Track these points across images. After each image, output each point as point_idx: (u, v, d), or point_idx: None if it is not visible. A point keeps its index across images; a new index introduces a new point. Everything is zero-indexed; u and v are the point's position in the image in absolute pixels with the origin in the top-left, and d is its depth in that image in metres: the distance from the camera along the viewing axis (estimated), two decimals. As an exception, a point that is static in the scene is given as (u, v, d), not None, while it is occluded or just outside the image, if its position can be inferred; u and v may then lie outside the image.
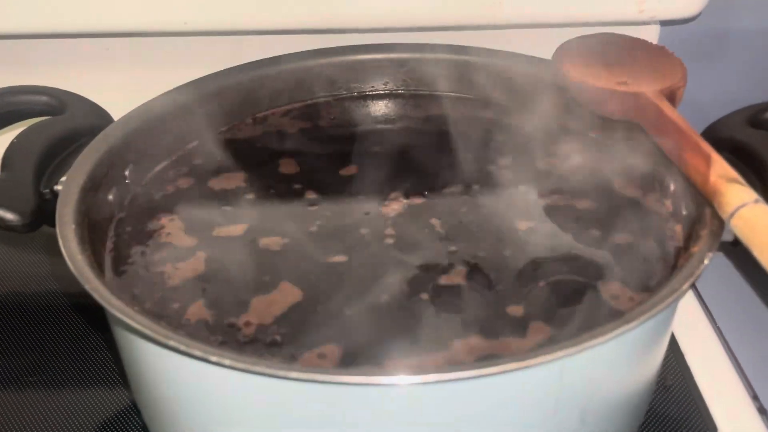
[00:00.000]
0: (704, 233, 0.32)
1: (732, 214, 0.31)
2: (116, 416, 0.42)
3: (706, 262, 0.30)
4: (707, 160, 0.34)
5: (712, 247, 0.31)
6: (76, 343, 0.47)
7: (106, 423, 0.41)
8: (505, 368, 0.25)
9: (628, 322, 0.27)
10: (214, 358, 0.26)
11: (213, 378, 0.29)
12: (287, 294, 0.35)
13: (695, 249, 0.31)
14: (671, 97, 0.41)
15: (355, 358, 0.31)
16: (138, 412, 0.41)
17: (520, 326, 0.32)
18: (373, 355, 0.31)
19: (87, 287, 0.30)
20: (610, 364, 0.29)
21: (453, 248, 0.37)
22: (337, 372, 0.28)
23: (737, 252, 0.38)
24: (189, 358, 0.28)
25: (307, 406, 0.28)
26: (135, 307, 0.34)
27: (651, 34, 0.56)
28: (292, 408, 0.29)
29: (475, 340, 0.31)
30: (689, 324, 0.47)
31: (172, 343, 0.27)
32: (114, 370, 0.45)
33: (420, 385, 0.26)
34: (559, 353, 0.26)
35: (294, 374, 0.26)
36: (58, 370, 0.45)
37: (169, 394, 0.32)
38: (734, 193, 0.32)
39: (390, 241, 0.38)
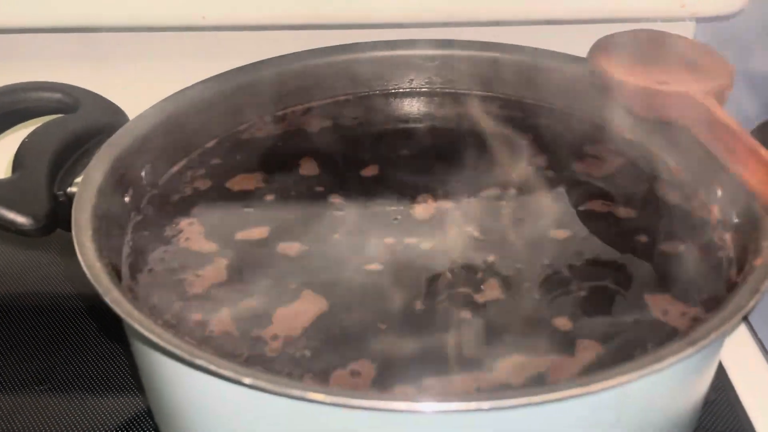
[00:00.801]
0: (766, 244, 0.30)
1: (796, 224, 0.29)
2: (131, 423, 0.40)
3: (771, 276, 0.28)
4: (766, 166, 0.32)
5: (776, 260, 0.29)
6: (90, 348, 0.45)
7: (120, 430, 0.40)
8: (561, 395, 0.23)
9: (693, 343, 0.25)
10: (248, 381, 0.24)
11: (238, 397, 0.27)
12: (314, 305, 0.33)
13: (759, 261, 0.29)
14: (718, 98, 0.39)
15: (390, 377, 0.29)
16: (152, 420, 0.39)
17: (567, 343, 0.30)
18: (410, 375, 0.29)
19: (107, 299, 0.28)
20: (670, 387, 0.27)
21: (490, 258, 0.35)
22: (374, 397, 0.26)
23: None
24: (217, 378, 0.26)
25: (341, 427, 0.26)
26: (156, 319, 0.32)
27: (686, 32, 0.54)
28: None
29: (520, 358, 0.29)
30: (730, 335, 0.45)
31: (199, 362, 0.25)
32: (128, 376, 0.43)
33: (464, 412, 0.24)
34: (623, 377, 0.24)
35: (327, 398, 0.24)
36: (71, 375, 0.43)
37: (190, 411, 0.31)
38: (798, 202, 0.30)
39: (422, 248, 0.36)
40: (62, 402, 0.41)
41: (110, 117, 0.42)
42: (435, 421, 0.25)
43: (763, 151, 0.33)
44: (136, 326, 0.27)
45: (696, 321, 0.31)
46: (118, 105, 0.43)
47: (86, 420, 0.40)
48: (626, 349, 0.30)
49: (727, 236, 0.36)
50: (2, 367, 0.44)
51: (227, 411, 0.28)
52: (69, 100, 0.42)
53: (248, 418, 0.28)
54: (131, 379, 0.42)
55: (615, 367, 0.25)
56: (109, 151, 0.38)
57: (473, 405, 0.23)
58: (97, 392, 0.42)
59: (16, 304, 0.48)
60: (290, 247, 0.37)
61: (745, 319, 0.46)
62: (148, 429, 0.40)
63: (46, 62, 0.54)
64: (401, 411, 0.24)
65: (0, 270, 0.50)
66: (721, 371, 0.43)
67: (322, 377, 0.29)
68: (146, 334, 0.26)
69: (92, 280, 0.29)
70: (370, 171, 0.42)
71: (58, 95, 0.43)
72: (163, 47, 0.54)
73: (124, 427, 0.40)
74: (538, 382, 0.27)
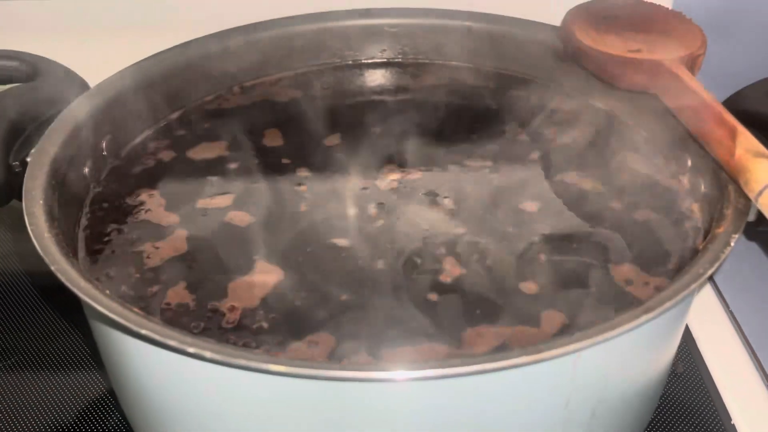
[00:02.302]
0: (729, 212, 0.30)
1: (760, 192, 0.29)
2: (92, 401, 0.40)
3: (732, 243, 0.28)
4: (732, 133, 0.31)
5: (738, 228, 0.29)
6: (46, 326, 0.44)
7: (81, 407, 0.39)
8: (517, 362, 0.23)
9: (649, 310, 0.25)
10: (191, 350, 0.24)
11: (192, 369, 0.27)
12: (275, 276, 0.33)
13: (720, 230, 0.29)
14: (690, 66, 0.38)
15: (350, 348, 0.29)
16: (114, 396, 0.39)
17: (532, 313, 0.29)
18: (372, 345, 0.28)
19: (53, 268, 0.27)
20: (626, 355, 0.27)
21: (459, 230, 0.34)
22: (331, 367, 0.25)
23: (749, 232, 0.35)
24: (166, 350, 0.25)
25: (297, 400, 0.26)
26: (108, 290, 0.31)
27: (664, 1, 0.53)
28: (279, 402, 0.26)
29: (486, 329, 0.29)
30: (700, 307, 0.44)
31: (144, 332, 0.24)
32: (87, 353, 0.42)
33: (424, 380, 0.23)
34: (576, 345, 0.23)
35: (278, 368, 0.24)
36: (29, 354, 0.42)
37: (147, 384, 0.30)
38: (763, 170, 0.29)
39: (393, 217, 0.36)
40: (21, 381, 0.41)
41: (70, 86, 0.41)
42: (388, 389, 0.24)
43: (730, 119, 0.32)
44: (83, 296, 0.26)
45: (657, 291, 0.30)
46: (79, 74, 0.42)
47: (47, 398, 0.40)
48: (590, 320, 0.29)
49: (696, 206, 0.35)
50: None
51: (180, 382, 0.28)
52: (27, 69, 0.41)
53: (204, 391, 0.28)
54: (91, 358, 0.42)
55: (570, 334, 0.24)
56: (67, 121, 0.37)
57: (428, 373, 0.23)
58: (57, 370, 0.41)
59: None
60: (249, 218, 0.36)
61: (717, 289, 0.45)
62: (109, 405, 0.39)
63: (2, 30, 0.53)
64: (363, 380, 0.24)
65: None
66: (691, 343, 0.43)
67: (279, 348, 0.29)
68: (93, 304, 0.26)
69: (40, 250, 0.28)
70: (334, 141, 0.41)
71: (15, 63, 0.41)
72: (127, 14, 0.53)
73: (85, 404, 0.39)
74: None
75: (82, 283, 0.27)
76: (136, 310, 0.27)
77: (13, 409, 0.39)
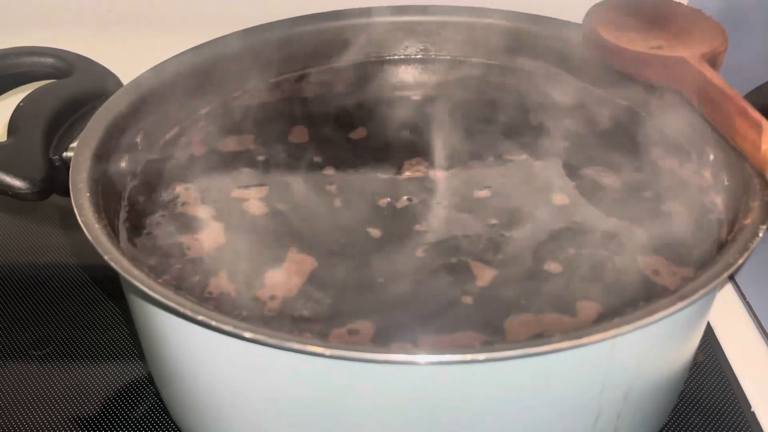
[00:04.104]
0: (755, 204, 0.31)
1: (787, 185, 0.30)
2: (130, 388, 0.40)
3: (760, 234, 0.29)
4: (757, 128, 0.32)
5: (765, 219, 0.30)
6: (89, 317, 0.45)
7: (119, 395, 0.40)
8: (557, 347, 0.24)
9: (684, 297, 0.26)
10: (248, 335, 0.25)
11: (242, 353, 0.28)
12: (310, 265, 0.34)
13: (747, 221, 0.30)
14: (712, 62, 0.39)
15: (390, 336, 0.30)
16: (153, 385, 0.40)
17: (567, 303, 0.30)
18: (412, 333, 0.29)
19: (106, 258, 0.28)
20: (658, 341, 0.28)
21: (492, 221, 0.35)
22: (374, 349, 0.26)
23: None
24: (217, 333, 0.26)
25: (339, 382, 0.27)
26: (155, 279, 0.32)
27: (680, -2, 0.53)
28: (319, 383, 0.27)
29: (524, 318, 0.30)
30: (718, 297, 0.45)
31: (201, 318, 0.25)
32: (126, 342, 0.43)
33: (465, 363, 0.24)
34: (614, 330, 0.24)
35: (327, 351, 0.25)
36: (67, 343, 0.43)
37: (191, 370, 0.31)
38: (789, 163, 0.30)
39: (425, 209, 0.37)
40: (61, 369, 0.42)
41: (103, 82, 0.42)
42: (430, 373, 0.25)
43: (755, 114, 0.33)
44: (138, 284, 0.27)
45: (686, 281, 0.31)
46: (112, 71, 0.43)
47: (83, 386, 0.41)
48: (623, 308, 0.30)
49: (719, 199, 0.36)
50: (3, 334, 0.44)
51: (225, 365, 0.29)
52: (62, 65, 0.42)
53: (247, 375, 0.29)
54: (132, 346, 0.43)
55: (607, 320, 0.25)
56: (105, 116, 0.38)
57: (469, 356, 0.24)
58: (98, 359, 0.42)
59: (13, 274, 0.49)
60: (282, 209, 0.37)
61: (733, 280, 0.47)
62: (149, 394, 0.40)
63: (38, 27, 0.53)
64: (399, 363, 0.25)
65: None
66: (709, 333, 0.44)
67: (321, 335, 0.30)
68: (147, 291, 0.27)
69: (92, 241, 0.29)
70: (359, 134, 0.42)
71: (51, 60, 0.42)
72: (156, 12, 0.54)
73: (123, 392, 0.40)
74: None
75: (136, 271, 0.28)
76: (189, 297, 0.28)
77: (53, 396, 0.40)
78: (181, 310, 0.26)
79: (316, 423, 0.28)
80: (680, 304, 0.25)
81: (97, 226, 0.30)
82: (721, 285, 0.28)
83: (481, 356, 0.24)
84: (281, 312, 0.31)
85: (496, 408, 0.27)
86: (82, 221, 0.30)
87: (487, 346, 0.26)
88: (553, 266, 0.33)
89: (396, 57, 0.49)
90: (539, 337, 0.28)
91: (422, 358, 0.24)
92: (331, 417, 0.28)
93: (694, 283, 0.27)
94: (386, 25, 0.48)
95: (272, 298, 0.32)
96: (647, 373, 0.30)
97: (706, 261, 0.32)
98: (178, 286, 0.33)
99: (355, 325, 0.31)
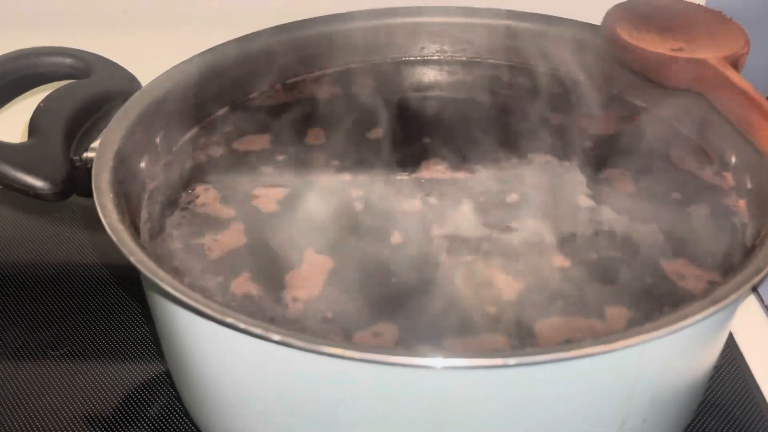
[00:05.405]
0: (782, 208, 0.31)
1: (814, 189, 0.29)
2: (147, 386, 0.40)
3: (789, 238, 0.29)
4: (783, 131, 0.32)
5: (793, 223, 0.30)
6: (110, 316, 0.45)
7: (136, 394, 0.40)
8: (588, 351, 0.24)
9: (715, 302, 0.25)
10: (277, 338, 0.24)
11: (267, 355, 0.28)
12: (332, 267, 0.34)
13: (776, 225, 0.30)
14: (734, 64, 0.39)
15: (414, 339, 0.30)
16: (172, 385, 0.40)
17: (596, 308, 0.30)
18: (434, 336, 0.29)
19: (132, 259, 0.28)
20: (688, 347, 0.28)
21: (513, 223, 0.35)
22: (397, 352, 0.26)
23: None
24: (242, 334, 0.26)
25: (366, 385, 0.27)
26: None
27: None
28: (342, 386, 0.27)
29: (552, 322, 0.29)
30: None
31: (229, 320, 0.25)
32: (144, 340, 0.43)
33: (495, 368, 0.24)
34: (644, 336, 0.24)
35: (358, 355, 0.25)
36: (84, 342, 0.43)
37: (213, 371, 0.31)
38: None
39: (444, 210, 0.37)
40: (79, 367, 0.42)
41: (122, 83, 0.42)
42: (457, 377, 0.25)
43: (780, 116, 0.33)
44: (165, 287, 0.27)
45: (712, 284, 0.31)
46: (130, 71, 0.43)
47: (101, 384, 0.41)
48: (650, 314, 0.30)
49: (741, 202, 0.36)
50: (22, 334, 0.44)
51: (251, 371, 0.29)
52: (81, 65, 0.42)
53: (268, 376, 0.29)
54: (148, 344, 0.43)
55: (637, 326, 0.25)
56: (125, 117, 0.38)
57: (499, 361, 0.24)
58: (114, 358, 0.42)
59: (31, 272, 0.49)
60: (302, 211, 0.37)
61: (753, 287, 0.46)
62: (166, 392, 0.40)
63: (53, 27, 0.53)
64: (423, 367, 0.24)
65: (13, 238, 0.51)
66: (729, 337, 0.43)
67: (345, 338, 0.30)
68: (175, 293, 0.27)
69: (117, 243, 0.29)
70: (377, 134, 0.42)
71: (69, 60, 0.42)
72: (173, 13, 0.54)
73: (141, 391, 0.40)
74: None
75: (162, 273, 0.28)
76: (216, 299, 0.28)
77: (70, 394, 0.40)
78: (210, 312, 0.26)
79: (337, 425, 0.28)
80: (712, 309, 0.25)
81: (121, 227, 0.30)
82: (750, 289, 0.28)
83: (512, 361, 0.23)
84: (304, 314, 0.31)
85: (522, 413, 0.26)
86: (107, 222, 0.30)
87: (517, 350, 0.26)
88: (577, 270, 0.33)
89: (413, 58, 0.49)
90: (569, 342, 0.28)
91: (454, 362, 0.24)
92: (356, 420, 0.28)
93: (725, 287, 0.27)
94: (404, 26, 0.48)
95: (294, 299, 0.32)
96: (674, 378, 0.29)
97: (730, 265, 0.32)
98: (201, 287, 0.33)
99: (378, 328, 0.30)
